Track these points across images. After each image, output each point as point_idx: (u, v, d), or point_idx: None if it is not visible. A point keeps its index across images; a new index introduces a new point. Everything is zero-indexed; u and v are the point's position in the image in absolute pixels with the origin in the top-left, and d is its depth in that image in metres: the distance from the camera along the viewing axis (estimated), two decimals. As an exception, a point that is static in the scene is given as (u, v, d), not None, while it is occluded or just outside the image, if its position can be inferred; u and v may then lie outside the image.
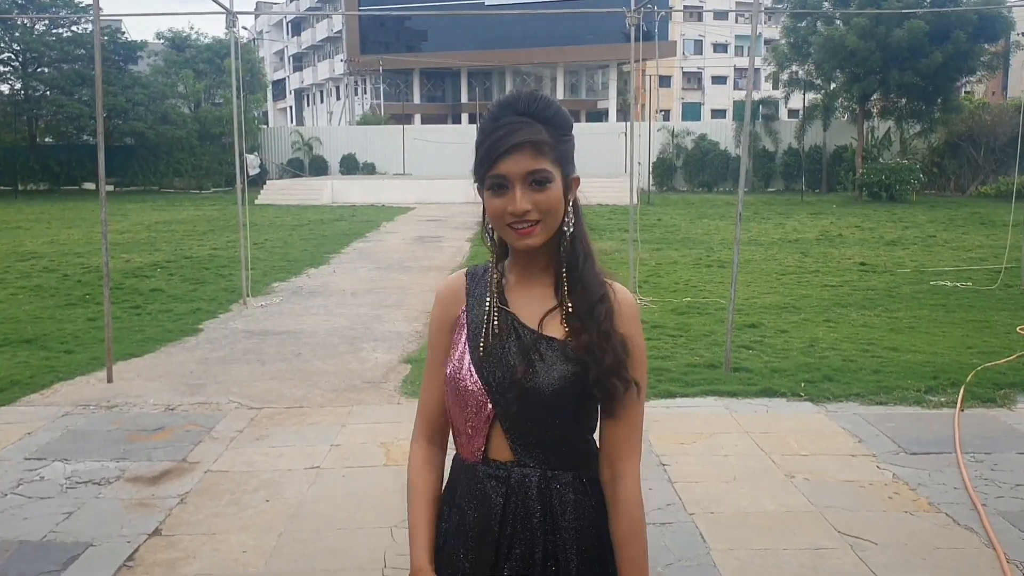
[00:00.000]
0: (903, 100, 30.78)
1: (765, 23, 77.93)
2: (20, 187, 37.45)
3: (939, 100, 30.11)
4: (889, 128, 33.42)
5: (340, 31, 65.06)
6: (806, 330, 9.24)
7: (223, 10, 10.66)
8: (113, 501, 4.83)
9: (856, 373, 7.35)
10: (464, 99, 62.88)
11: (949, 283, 12.31)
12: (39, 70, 37.91)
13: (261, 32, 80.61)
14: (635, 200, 11.96)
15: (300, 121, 76.78)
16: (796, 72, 33.27)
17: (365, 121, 49.96)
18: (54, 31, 37.57)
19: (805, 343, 8.57)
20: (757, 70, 74.40)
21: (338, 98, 67.39)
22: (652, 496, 4.81)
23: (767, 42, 72.70)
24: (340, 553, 4.18)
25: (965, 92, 34.45)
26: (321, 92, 74.72)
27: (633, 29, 11.36)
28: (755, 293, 11.44)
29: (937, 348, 8.29)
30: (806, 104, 35.01)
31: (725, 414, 6.33)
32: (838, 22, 29.25)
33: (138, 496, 4.90)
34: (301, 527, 4.49)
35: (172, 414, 6.48)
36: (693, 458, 5.40)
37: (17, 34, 36.74)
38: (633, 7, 11.16)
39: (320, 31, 71.35)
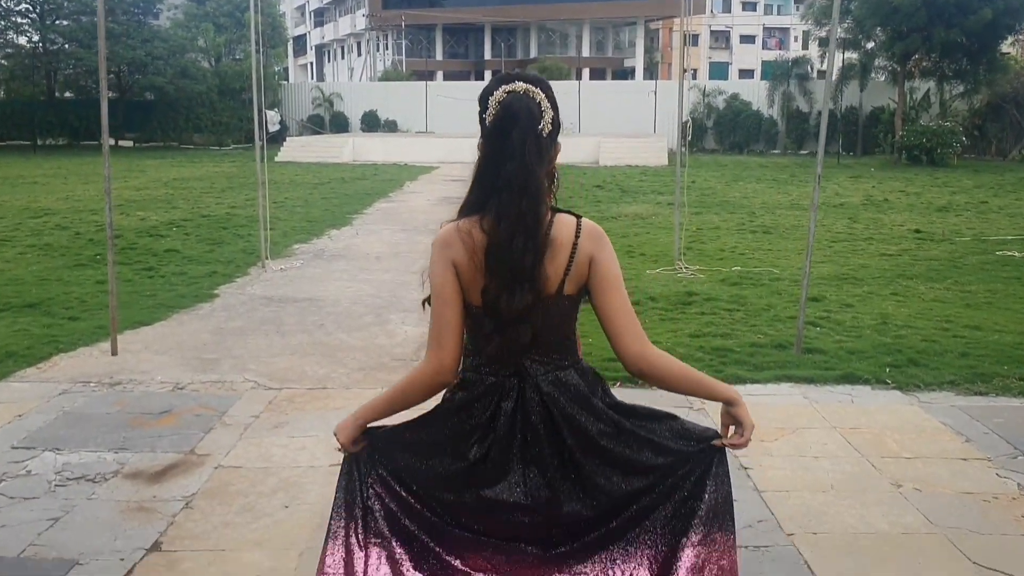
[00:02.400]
0: (946, 60, 29.56)
1: (798, -20, 76.13)
2: (39, 142, 36.84)
3: (984, 59, 28.91)
4: (929, 89, 32.19)
5: (362, -15, 63.87)
6: (873, 304, 8.46)
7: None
8: (108, 504, 4.14)
9: (942, 356, 6.56)
10: (488, 56, 61.67)
11: (1017, 253, 11.46)
12: (57, 22, 37.11)
13: (282, -14, 79.35)
14: (680, 162, 11.11)
15: (321, 77, 75.70)
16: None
17: (387, 77, 49.06)
18: (72, -19, 36.76)
19: (876, 320, 7.78)
20: (786, 29, 72.70)
21: (359, 54, 66.29)
22: (738, 509, 4.04)
23: (797, 1, 71.13)
24: (373, 580, 3.49)
25: (1001, 53, 33.04)
26: (342, 48, 73.61)
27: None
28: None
29: (1025, 328, 7.50)
30: (843, 64, 33.77)
31: (805, 404, 5.58)
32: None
33: (137, 498, 4.22)
34: (326, 543, 3.79)
35: (181, 394, 5.79)
36: (778, 460, 4.66)
37: (34, -16, 35.98)
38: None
39: (342, -15, 70.14)
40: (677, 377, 2.22)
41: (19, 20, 37.63)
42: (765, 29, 76.62)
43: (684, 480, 2.20)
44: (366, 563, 2.19)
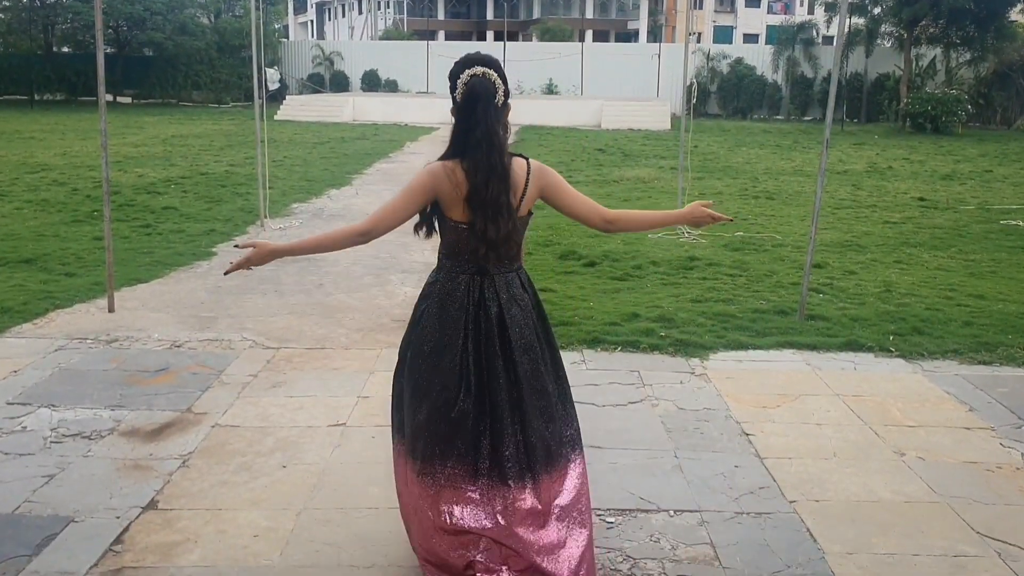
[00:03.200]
0: (953, 26, 29.21)
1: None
2: (36, 97, 36.46)
3: (992, 27, 28.57)
4: (935, 56, 31.85)
5: (364, -58, 63.04)
6: (876, 272, 8.40)
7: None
8: (104, 461, 4.10)
9: (946, 325, 6.51)
10: (490, 16, 61.03)
11: (1021, 223, 11.37)
12: (54, -26, 36.59)
13: (282, -58, 78.30)
14: (684, 126, 10.98)
15: (321, 36, 74.94)
16: (841, -7, 31.55)
17: (388, 37, 48.61)
18: (70, -68, 36.15)
19: (879, 287, 7.73)
20: (793, -7, 71.90)
21: (360, 12, 65.56)
22: (741, 476, 4.04)
23: (805, -36, 70.18)
24: (371, 541, 3.45)
25: (1009, 20, 32.61)
26: (343, 6, 72.77)
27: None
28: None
29: (1030, 297, 7.44)
30: (849, 29, 33.36)
31: (808, 371, 5.53)
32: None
33: (133, 455, 4.17)
34: (324, 503, 3.75)
35: (178, 352, 5.74)
36: (780, 426, 4.62)
37: (31, -64, 35.41)
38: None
39: (343, -58, 69.24)
40: (639, 218, 3.18)
41: (15, -29, 37.10)
42: (771, -8, 75.76)
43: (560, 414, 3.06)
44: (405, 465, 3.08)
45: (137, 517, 3.60)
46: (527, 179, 2.92)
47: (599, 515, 3.67)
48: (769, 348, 5.98)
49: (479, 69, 2.89)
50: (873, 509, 3.75)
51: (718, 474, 4.06)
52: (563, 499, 2.96)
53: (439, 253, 3.05)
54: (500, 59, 2.96)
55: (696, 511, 3.71)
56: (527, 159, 2.96)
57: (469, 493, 2.92)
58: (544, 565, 2.87)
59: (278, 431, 4.49)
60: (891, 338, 6.15)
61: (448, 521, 2.91)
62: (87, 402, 4.81)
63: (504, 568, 2.87)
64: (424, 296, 3.07)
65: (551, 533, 2.91)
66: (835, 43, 6.79)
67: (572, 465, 3.03)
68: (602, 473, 4.05)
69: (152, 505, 3.70)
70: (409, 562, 3.27)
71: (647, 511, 3.72)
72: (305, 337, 6.11)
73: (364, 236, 2.89)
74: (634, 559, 3.36)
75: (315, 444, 4.33)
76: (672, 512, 3.71)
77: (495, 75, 2.89)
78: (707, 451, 4.32)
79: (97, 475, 3.96)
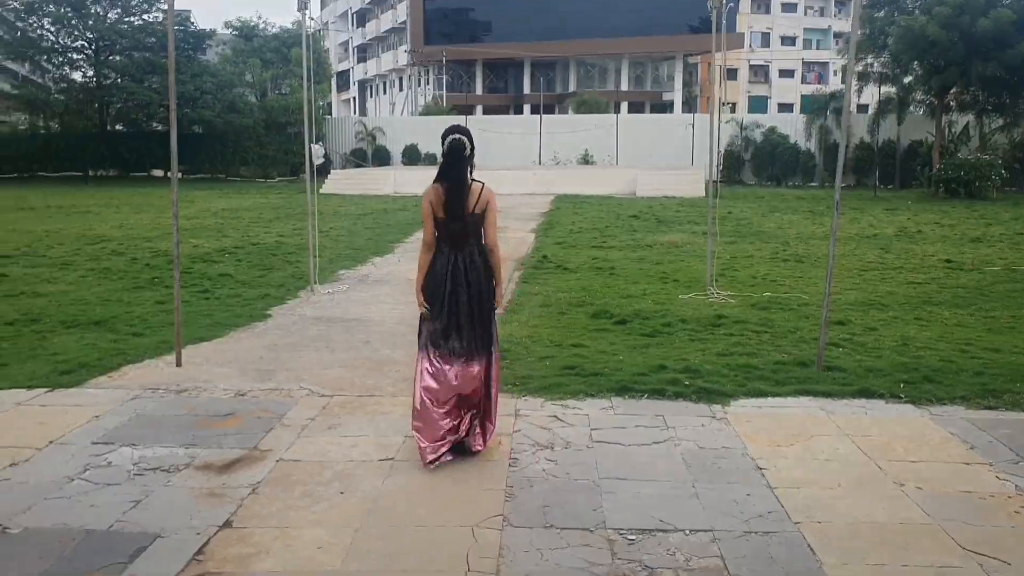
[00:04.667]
0: (984, 93, 29.66)
1: (836, 16, 76.42)
2: (91, 173, 38.15)
3: (1024, 92, 28.98)
4: (968, 122, 32.25)
5: (404, 22, 65.20)
6: (896, 328, 8.78)
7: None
8: (182, 490, 4.63)
9: (958, 375, 6.88)
10: (527, 90, 62.56)
11: (1044, 282, 11.68)
12: (111, 58, 38.47)
13: (326, 23, 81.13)
14: (713, 192, 11.51)
15: (363, 112, 77.13)
16: (871, 64, 32.23)
17: (427, 112, 49.93)
18: (126, 19, 38.10)
19: (897, 342, 8.11)
20: (825, 63, 72.84)
21: (401, 89, 67.52)
22: (751, 502, 4.46)
23: (837, 36, 71.48)
24: (420, 553, 3.92)
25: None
26: (384, 83, 75.00)
27: (715, 13, 10.93)
28: (838, 289, 10.91)
29: (1043, 350, 7.77)
30: (880, 97, 33.95)
31: (822, 415, 5.94)
32: (917, 12, 28.29)
33: (208, 485, 4.70)
34: (378, 523, 4.23)
35: (242, 400, 6.29)
36: (792, 462, 5.03)
37: (91, 22, 37.33)
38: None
39: (384, 22, 71.59)
40: (495, 264, 5.19)
41: (75, 56, 39.08)
42: (804, 63, 76.88)
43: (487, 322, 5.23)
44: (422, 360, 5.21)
45: (215, 534, 4.10)
46: (479, 195, 5.04)
47: (621, 534, 4.11)
48: (787, 395, 6.39)
49: (456, 135, 5.07)
50: (870, 529, 4.15)
51: (731, 501, 4.48)
52: (489, 371, 5.22)
53: (436, 238, 5.12)
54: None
55: (709, 531, 4.14)
56: (483, 184, 5.09)
57: (440, 364, 5.12)
58: (477, 403, 5.16)
59: (335, 465, 4.99)
60: (902, 386, 6.54)
61: (428, 377, 5.10)
62: (164, 442, 5.36)
63: (455, 414, 5.08)
64: (431, 262, 5.16)
65: (480, 390, 5.17)
66: (843, 111, 7.32)
67: (491, 355, 5.22)
68: (626, 500, 4.49)
69: (228, 524, 4.21)
70: (454, 568, 3.73)
71: (665, 531, 4.15)
72: (356, 386, 6.64)
73: (428, 240, 5.13)
74: (651, 568, 3.79)
75: (368, 475, 4.83)
76: (688, 532, 4.14)
77: (465, 139, 5.07)
78: (722, 482, 4.75)
79: (177, 501, 4.48)
